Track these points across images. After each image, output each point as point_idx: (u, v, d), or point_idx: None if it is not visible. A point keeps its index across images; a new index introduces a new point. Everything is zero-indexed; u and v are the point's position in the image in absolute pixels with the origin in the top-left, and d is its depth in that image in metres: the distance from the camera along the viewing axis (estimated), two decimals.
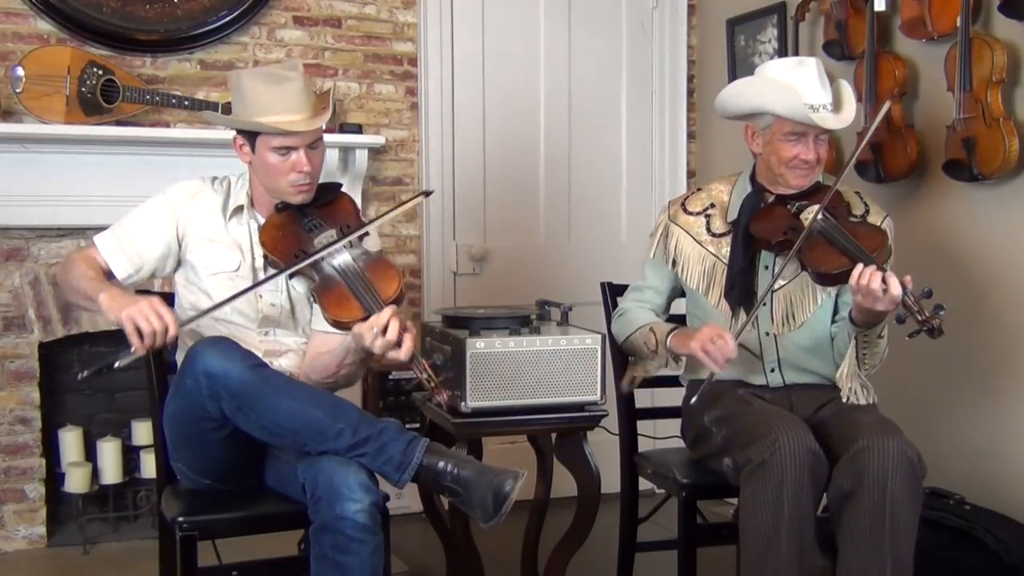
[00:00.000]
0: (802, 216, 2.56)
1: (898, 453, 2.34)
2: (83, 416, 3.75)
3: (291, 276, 2.44)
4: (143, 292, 2.53)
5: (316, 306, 2.50)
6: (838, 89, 2.64)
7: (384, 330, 2.26)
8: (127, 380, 3.72)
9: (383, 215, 2.70)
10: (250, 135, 2.45)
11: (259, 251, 2.52)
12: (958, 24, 3.01)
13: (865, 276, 2.36)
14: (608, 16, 4.31)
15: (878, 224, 2.65)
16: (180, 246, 2.52)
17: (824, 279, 2.50)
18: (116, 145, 3.54)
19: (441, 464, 2.25)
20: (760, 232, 2.60)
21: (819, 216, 2.50)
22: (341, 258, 2.42)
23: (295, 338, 2.57)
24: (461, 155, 4.12)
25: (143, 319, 2.18)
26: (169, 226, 2.51)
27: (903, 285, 2.34)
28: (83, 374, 2.23)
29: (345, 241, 2.43)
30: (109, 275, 2.48)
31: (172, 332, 2.22)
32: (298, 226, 2.48)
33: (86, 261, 2.46)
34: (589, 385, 2.62)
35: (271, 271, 2.48)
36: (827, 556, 2.88)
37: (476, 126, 4.14)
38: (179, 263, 2.55)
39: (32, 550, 3.58)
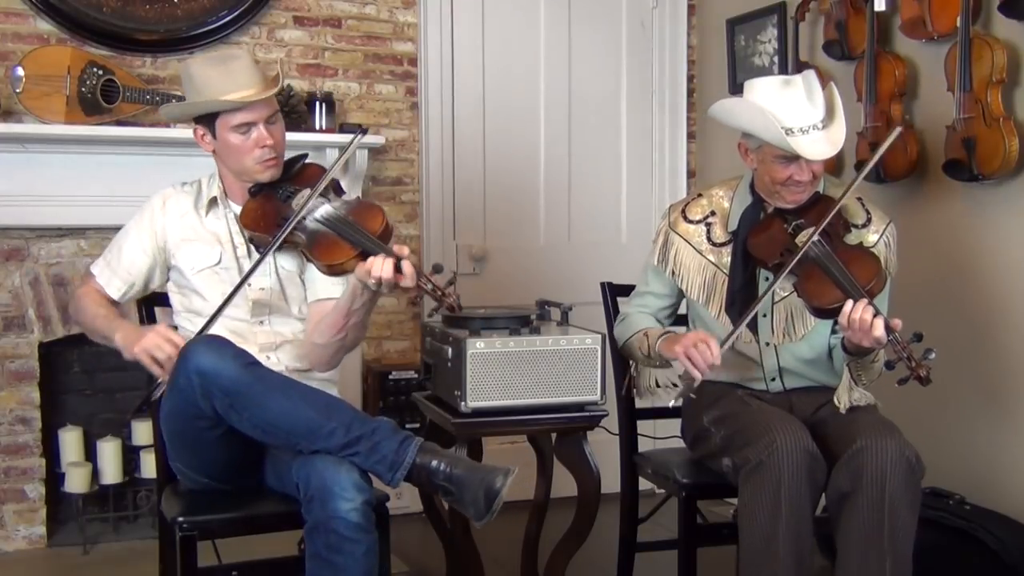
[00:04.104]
0: (798, 239, 2.54)
1: (896, 453, 2.34)
2: (83, 416, 3.75)
3: (279, 247, 2.44)
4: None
5: (309, 273, 2.54)
6: (830, 96, 2.58)
7: (379, 279, 2.26)
8: (127, 380, 3.72)
9: (343, 153, 2.62)
10: (209, 121, 2.48)
11: (239, 240, 2.54)
12: (958, 24, 3.01)
13: (854, 317, 2.34)
14: (608, 16, 4.32)
15: (879, 235, 2.64)
16: (165, 255, 2.57)
17: (818, 313, 2.49)
18: (116, 145, 3.54)
19: (434, 463, 2.25)
20: (757, 252, 2.59)
21: (814, 239, 2.48)
22: (323, 210, 2.43)
23: (292, 326, 2.57)
24: (461, 155, 4.12)
25: (156, 349, 2.30)
26: (150, 239, 2.56)
27: (891, 330, 2.32)
28: (128, 417, 2.34)
29: (320, 187, 2.44)
30: (111, 300, 2.57)
31: None
32: (275, 200, 2.51)
33: (91, 297, 2.56)
34: (589, 385, 2.62)
35: (258, 256, 2.49)
36: (827, 556, 2.89)
37: (476, 126, 4.14)
38: (169, 271, 2.59)
39: (32, 550, 3.57)
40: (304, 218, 2.42)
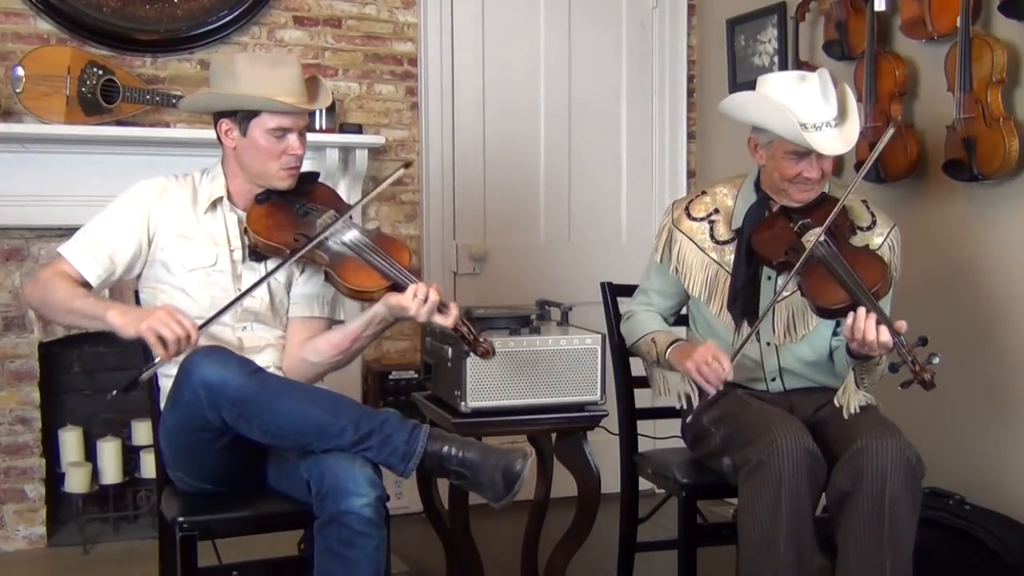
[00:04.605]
0: (804, 238, 2.54)
1: (897, 453, 2.34)
2: (83, 416, 3.75)
3: (297, 260, 2.44)
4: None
5: (296, 288, 2.54)
6: (843, 95, 2.58)
7: (426, 299, 2.30)
8: (127, 380, 3.71)
9: (378, 188, 2.65)
10: (243, 119, 2.45)
11: (237, 243, 2.52)
12: (958, 24, 3.01)
13: (859, 327, 2.34)
14: (608, 16, 4.32)
15: (883, 238, 2.64)
16: (151, 246, 2.50)
17: (822, 313, 2.49)
18: (116, 145, 3.54)
19: (445, 449, 2.26)
20: (761, 249, 2.59)
21: (821, 239, 2.47)
22: (351, 235, 2.45)
23: (273, 332, 2.56)
24: (461, 155, 4.12)
25: (165, 328, 2.21)
26: (139, 226, 2.48)
27: (897, 333, 2.32)
28: (112, 394, 2.26)
29: (348, 214, 2.48)
30: (83, 284, 2.43)
31: (194, 337, 2.24)
32: (290, 211, 2.49)
33: (62, 277, 2.40)
34: (589, 385, 2.62)
35: (251, 262, 2.49)
36: (827, 556, 2.88)
37: (476, 126, 4.14)
38: (147, 264, 2.51)
39: (32, 550, 3.57)
40: (328, 239, 2.43)
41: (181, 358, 2.27)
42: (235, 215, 2.53)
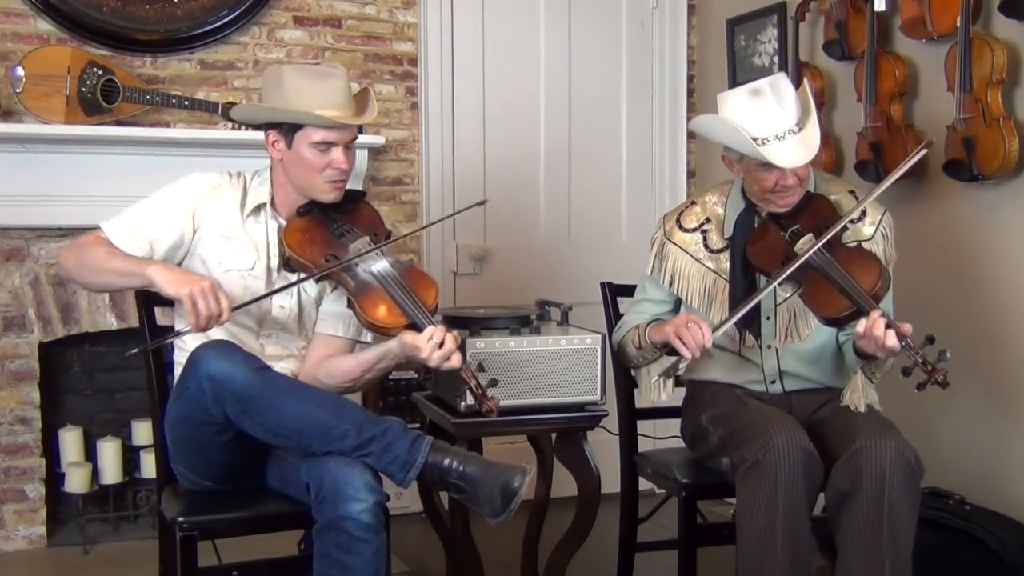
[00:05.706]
0: (796, 246, 2.53)
1: (896, 453, 2.34)
2: (83, 416, 3.75)
3: (320, 280, 2.44)
4: None
5: (325, 305, 2.54)
6: (803, 97, 2.56)
7: (441, 343, 2.29)
8: (127, 380, 3.73)
9: (437, 222, 2.67)
10: (288, 131, 2.44)
11: (275, 251, 2.52)
12: (958, 24, 3.01)
13: (868, 328, 2.33)
14: (608, 16, 4.31)
15: (875, 226, 2.63)
16: (193, 238, 2.50)
17: (829, 323, 2.49)
18: (116, 145, 3.53)
19: (446, 462, 2.25)
20: (757, 261, 2.59)
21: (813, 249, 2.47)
22: (379, 265, 2.43)
23: (297, 343, 2.57)
24: (461, 155, 4.12)
25: (203, 300, 2.22)
26: (185, 216, 2.49)
27: (904, 336, 2.31)
28: (134, 351, 2.31)
29: (381, 247, 2.45)
30: None
31: (225, 317, 2.26)
32: (326, 230, 2.48)
33: (101, 243, 2.41)
34: (589, 385, 2.62)
35: (285, 272, 2.49)
36: (827, 556, 2.89)
37: (476, 126, 4.14)
38: (186, 255, 2.52)
39: (32, 550, 3.57)
40: (356, 266, 2.41)
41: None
42: (276, 223, 2.54)
